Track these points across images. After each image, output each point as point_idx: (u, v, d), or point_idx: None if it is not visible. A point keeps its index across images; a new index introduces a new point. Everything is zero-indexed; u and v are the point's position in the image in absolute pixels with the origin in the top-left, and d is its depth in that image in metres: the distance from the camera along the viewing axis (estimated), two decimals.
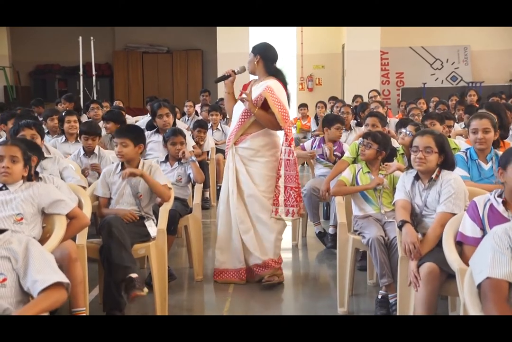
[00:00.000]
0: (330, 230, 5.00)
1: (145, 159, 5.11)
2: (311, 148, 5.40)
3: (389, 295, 3.48)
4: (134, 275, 3.36)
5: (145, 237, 3.66)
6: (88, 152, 4.90)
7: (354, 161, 4.32)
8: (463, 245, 2.68)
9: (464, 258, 2.60)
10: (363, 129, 5.45)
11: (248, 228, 4.15)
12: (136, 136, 3.87)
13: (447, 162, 3.22)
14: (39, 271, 2.26)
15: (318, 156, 5.33)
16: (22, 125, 4.06)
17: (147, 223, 3.70)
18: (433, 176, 3.19)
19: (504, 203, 2.62)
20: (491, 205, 2.65)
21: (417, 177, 3.27)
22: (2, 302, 2.20)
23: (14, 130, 4.07)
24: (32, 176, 3.14)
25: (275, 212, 4.17)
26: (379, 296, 3.55)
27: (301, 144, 5.67)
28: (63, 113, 5.70)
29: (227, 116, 4.41)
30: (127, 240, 3.46)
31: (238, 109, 4.21)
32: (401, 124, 4.71)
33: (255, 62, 4.21)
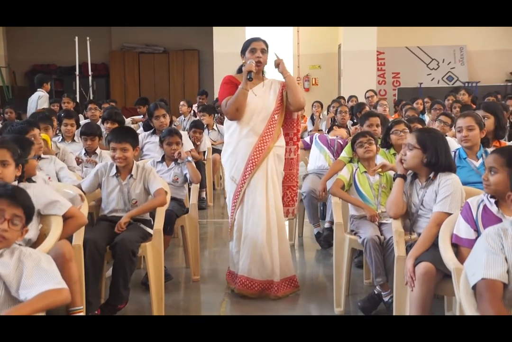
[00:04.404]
0: (326, 225, 5.06)
1: (142, 159, 5.13)
2: (310, 143, 5.47)
3: (383, 293, 3.53)
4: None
5: (146, 236, 3.66)
6: (90, 152, 4.94)
7: (350, 161, 4.32)
8: (459, 247, 2.69)
9: (461, 259, 2.61)
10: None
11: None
12: (134, 139, 3.86)
13: (435, 162, 3.17)
14: (32, 285, 2.27)
15: (319, 141, 5.39)
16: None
17: (141, 225, 3.69)
18: (431, 175, 3.20)
19: (497, 203, 2.64)
20: (485, 206, 2.67)
21: (414, 176, 3.28)
22: None
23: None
24: (24, 174, 3.09)
25: (286, 213, 4.18)
26: (375, 291, 3.59)
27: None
28: (62, 115, 5.71)
29: (224, 112, 4.07)
30: (98, 270, 3.50)
31: (263, 106, 3.94)
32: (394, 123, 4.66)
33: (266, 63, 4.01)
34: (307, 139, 5.61)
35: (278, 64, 3.97)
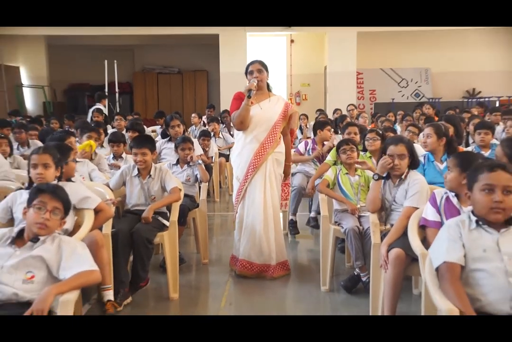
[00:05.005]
0: (312, 214, 5.07)
1: (160, 162, 5.14)
2: (305, 150, 5.32)
3: (361, 274, 3.55)
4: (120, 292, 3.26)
5: (162, 226, 3.67)
6: (117, 156, 4.98)
7: (335, 163, 4.33)
8: (427, 228, 2.68)
9: (428, 238, 2.61)
10: (341, 137, 5.44)
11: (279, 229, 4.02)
12: (152, 145, 3.86)
13: (414, 162, 3.27)
14: (70, 267, 2.30)
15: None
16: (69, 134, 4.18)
17: (159, 218, 3.69)
18: (403, 176, 3.22)
19: (458, 196, 2.64)
20: (447, 197, 2.67)
21: (387, 176, 3.28)
22: (26, 295, 2.23)
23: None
24: (62, 174, 3.10)
25: (285, 206, 4.21)
26: (355, 273, 3.60)
27: (295, 148, 5.49)
28: (92, 125, 5.80)
29: (232, 124, 4.11)
30: (127, 254, 3.48)
31: (267, 118, 3.90)
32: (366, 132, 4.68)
33: (267, 79, 3.98)
34: (301, 147, 5.41)
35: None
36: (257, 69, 3.90)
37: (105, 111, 9.13)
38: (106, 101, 9.39)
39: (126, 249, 3.45)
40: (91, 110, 8.96)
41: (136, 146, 3.78)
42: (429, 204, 2.72)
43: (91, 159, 4.53)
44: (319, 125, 5.34)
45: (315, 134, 5.38)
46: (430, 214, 2.68)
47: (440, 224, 2.49)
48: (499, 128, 6.70)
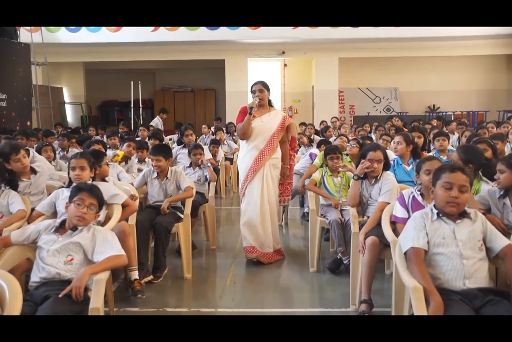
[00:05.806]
0: (306, 210, 5.02)
1: (176, 165, 5.14)
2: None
3: (343, 258, 3.54)
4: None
5: (178, 219, 3.66)
6: (141, 160, 4.97)
7: (321, 166, 4.32)
8: (396, 224, 2.68)
9: (397, 232, 2.60)
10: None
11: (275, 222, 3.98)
12: (167, 153, 3.79)
13: (387, 165, 3.28)
14: (102, 251, 2.30)
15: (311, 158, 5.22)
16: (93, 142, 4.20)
17: (176, 212, 3.69)
18: (378, 176, 3.22)
19: (422, 195, 2.65)
20: (413, 196, 2.67)
21: (364, 177, 3.28)
22: (67, 274, 2.24)
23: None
24: (96, 176, 3.10)
25: (287, 201, 4.18)
26: (338, 256, 3.59)
27: (311, 153, 5.22)
28: (124, 134, 5.84)
29: (237, 134, 4.09)
30: (146, 241, 3.46)
31: (267, 129, 3.84)
32: (348, 140, 4.73)
33: (268, 97, 3.94)
34: (315, 151, 5.14)
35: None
36: (258, 89, 3.85)
37: (161, 123, 9.48)
38: (165, 115, 9.76)
39: (145, 236, 3.44)
40: (154, 122, 9.48)
41: (153, 154, 3.79)
42: (397, 203, 2.72)
43: (126, 162, 4.56)
44: (324, 142, 5.32)
45: (319, 146, 5.30)
46: (399, 211, 2.68)
47: (407, 220, 2.48)
48: (454, 137, 6.76)
